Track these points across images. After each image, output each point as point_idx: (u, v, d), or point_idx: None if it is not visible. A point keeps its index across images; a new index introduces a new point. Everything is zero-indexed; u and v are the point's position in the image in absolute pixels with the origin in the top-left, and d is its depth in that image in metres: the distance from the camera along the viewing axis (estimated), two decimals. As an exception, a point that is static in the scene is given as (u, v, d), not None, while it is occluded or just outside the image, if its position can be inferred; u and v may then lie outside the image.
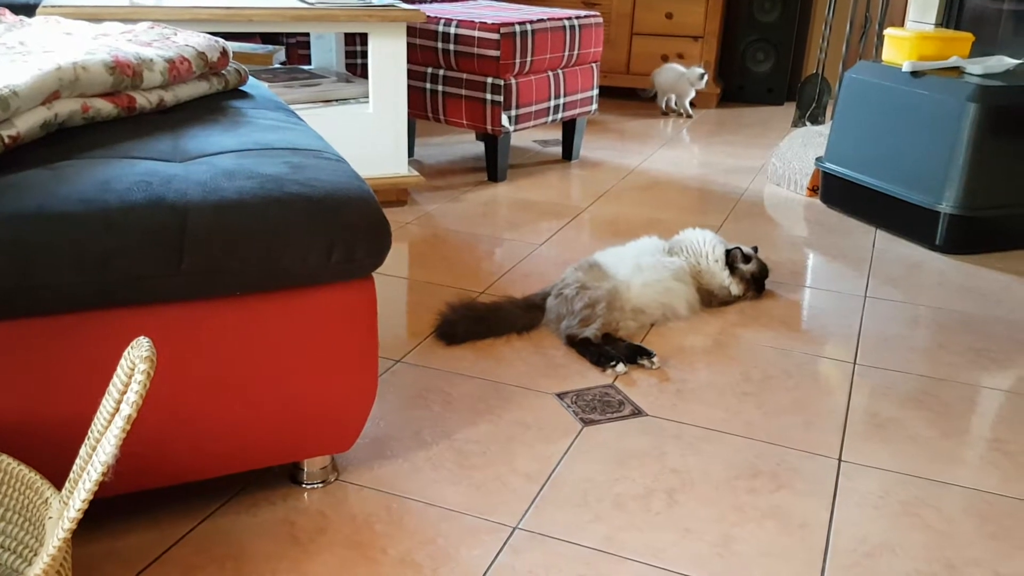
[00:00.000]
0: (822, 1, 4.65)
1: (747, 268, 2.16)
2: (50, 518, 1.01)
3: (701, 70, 4.19)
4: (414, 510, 1.36)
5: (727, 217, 2.84)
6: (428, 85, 3.13)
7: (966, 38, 2.80)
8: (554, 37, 3.09)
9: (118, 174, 1.17)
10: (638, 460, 1.52)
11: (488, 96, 2.99)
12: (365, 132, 2.68)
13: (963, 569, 1.28)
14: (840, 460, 1.54)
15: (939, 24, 3.36)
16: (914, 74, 2.66)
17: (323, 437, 1.34)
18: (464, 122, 3.08)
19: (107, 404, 0.91)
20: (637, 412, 1.67)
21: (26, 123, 1.21)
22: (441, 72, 3.09)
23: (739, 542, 1.32)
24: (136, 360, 0.85)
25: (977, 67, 2.64)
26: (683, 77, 4.24)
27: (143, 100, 1.42)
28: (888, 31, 2.87)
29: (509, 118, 3.01)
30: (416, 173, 2.81)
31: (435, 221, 2.69)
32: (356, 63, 3.67)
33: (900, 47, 2.80)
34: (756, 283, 2.18)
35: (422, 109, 3.19)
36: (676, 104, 4.39)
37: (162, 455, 1.23)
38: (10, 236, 1.05)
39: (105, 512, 1.30)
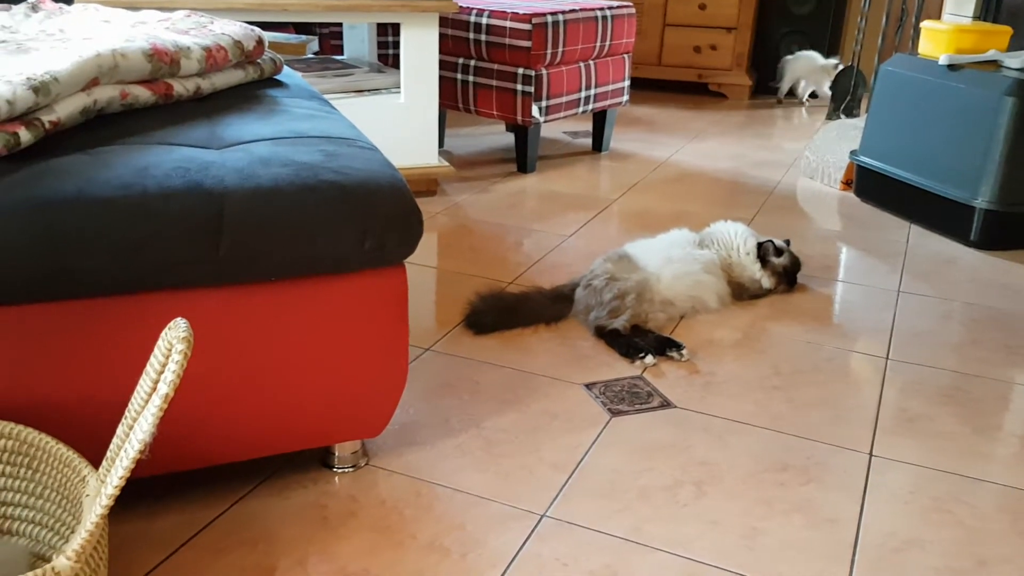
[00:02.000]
0: (858, -7, 4.59)
1: (779, 261, 2.14)
2: (87, 496, 1.03)
3: (836, 60, 4.22)
4: (442, 496, 1.37)
5: (759, 210, 2.82)
6: (459, 76, 3.14)
7: (1004, 31, 2.76)
8: (586, 28, 3.08)
9: (156, 160, 1.18)
10: (666, 452, 1.52)
11: (519, 87, 2.99)
12: (396, 122, 2.69)
13: (994, 566, 1.27)
14: (871, 455, 1.53)
15: (976, 17, 3.30)
16: (951, 67, 2.63)
17: (354, 422, 1.35)
18: (494, 113, 3.09)
19: (144, 384, 0.93)
20: (665, 404, 1.67)
21: (66, 109, 1.23)
22: (472, 63, 3.10)
23: (767, 535, 1.32)
24: (173, 340, 0.86)
25: (1015, 61, 2.60)
26: (823, 68, 4.29)
27: (180, 88, 1.44)
28: (925, 24, 2.83)
29: (539, 109, 3.01)
30: (446, 164, 2.82)
31: (464, 211, 2.70)
32: (388, 53, 3.69)
33: (937, 40, 2.76)
34: (788, 277, 2.17)
35: (453, 100, 3.19)
36: (800, 92, 4.45)
37: (195, 437, 1.24)
38: (50, 220, 1.07)
39: (138, 494, 1.32)
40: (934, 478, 1.47)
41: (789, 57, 4.39)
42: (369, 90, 2.76)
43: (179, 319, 0.89)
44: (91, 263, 1.09)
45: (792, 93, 4.51)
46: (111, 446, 0.98)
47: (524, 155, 3.12)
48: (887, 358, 1.88)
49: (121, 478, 0.84)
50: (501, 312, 1.95)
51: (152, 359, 0.91)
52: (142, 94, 1.37)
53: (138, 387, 0.94)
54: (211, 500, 1.33)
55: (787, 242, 2.20)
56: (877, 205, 2.90)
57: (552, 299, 2.01)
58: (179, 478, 1.36)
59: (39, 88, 1.18)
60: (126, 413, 0.96)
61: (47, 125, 1.20)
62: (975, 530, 1.35)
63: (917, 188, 2.70)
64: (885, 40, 3.73)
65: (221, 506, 1.32)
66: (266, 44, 1.65)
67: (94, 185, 1.11)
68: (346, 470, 1.42)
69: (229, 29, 1.59)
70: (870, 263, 2.42)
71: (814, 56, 4.31)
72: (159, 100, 1.41)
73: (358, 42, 3.27)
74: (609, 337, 1.88)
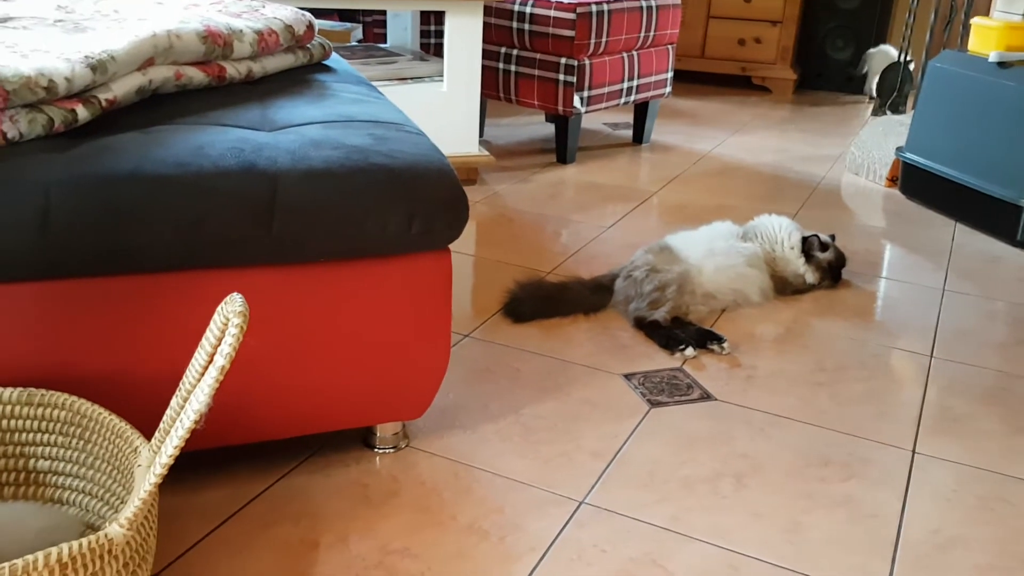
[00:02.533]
0: (906, -12, 4.52)
1: (824, 256, 2.12)
2: (139, 466, 1.05)
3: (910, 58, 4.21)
4: (482, 479, 1.38)
5: (802, 205, 2.79)
6: (501, 65, 3.14)
7: (1059, 28, 2.70)
8: (630, 17, 3.07)
9: (211, 140, 1.20)
10: (706, 443, 1.51)
11: (561, 77, 2.98)
12: (438, 110, 2.70)
13: (1039, 567, 1.25)
14: (914, 452, 1.51)
15: (1029, 14, 3.24)
16: (1001, 65, 2.58)
17: (397, 403, 1.37)
18: (535, 103, 3.08)
19: (199, 357, 0.94)
20: (706, 396, 1.66)
21: (122, 87, 1.26)
22: (515, 52, 3.09)
23: (808, 529, 1.31)
24: (230, 314, 0.88)
25: (1070, 58, 2.55)
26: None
27: (233, 70, 1.46)
28: (975, 20, 2.78)
29: (581, 99, 3.00)
30: (486, 153, 2.83)
31: (503, 201, 2.70)
32: (430, 42, 3.70)
33: (987, 37, 2.71)
34: (832, 272, 2.14)
35: (494, 89, 3.20)
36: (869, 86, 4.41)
37: (243, 413, 1.26)
38: (107, 196, 1.09)
39: (186, 467, 1.35)
40: (977, 477, 1.45)
41: (873, 51, 4.32)
42: (412, 78, 2.77)
43: (235, 294, 0.90)
44: (146, 239, 1.11)
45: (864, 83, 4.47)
46: (164, 417, 1.00)
47: (564, 145, 3.11)
48: (931, 356, 1.86)
49: (176, 447, 0.86)
50: (540, 301, 1.95)
51: (208, 333, 0.93)
52: (196, 75, 1.39)
53: (193, 360, 0.96)
54: (257, 475, 1.35)
55: (832, 237, 2.18)
56: (922, 202, 2.86)
57: (591, 289, 2.01)
58: (226, 453, 1.39)
59: (96, 66, 1.20)
60: (180, 385, 0.98)
61: (104, 103, 1.22)
62: (1018, 530, 1.33)
63: (963, 186, 2.66)
64: (933, 36, 3.67)
65: (266, 481, 1.34)
66: (316, 29, 1.66)
67: (150, 163, 1.13)
68: (387, 451, 1.43)
69: (280, 13, 1.61)
70: (915, 260, 2.39)
71: (892, 52, 4.26)
72: (212, 82, 1.43)
73: (401, 30, 3.29)
74: (649, 328, 1.88)
